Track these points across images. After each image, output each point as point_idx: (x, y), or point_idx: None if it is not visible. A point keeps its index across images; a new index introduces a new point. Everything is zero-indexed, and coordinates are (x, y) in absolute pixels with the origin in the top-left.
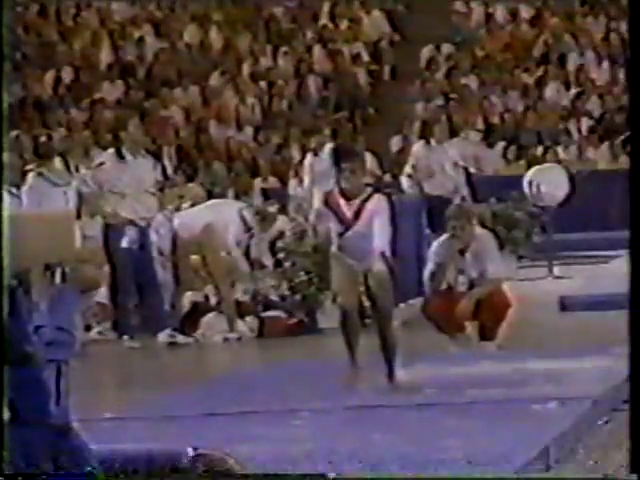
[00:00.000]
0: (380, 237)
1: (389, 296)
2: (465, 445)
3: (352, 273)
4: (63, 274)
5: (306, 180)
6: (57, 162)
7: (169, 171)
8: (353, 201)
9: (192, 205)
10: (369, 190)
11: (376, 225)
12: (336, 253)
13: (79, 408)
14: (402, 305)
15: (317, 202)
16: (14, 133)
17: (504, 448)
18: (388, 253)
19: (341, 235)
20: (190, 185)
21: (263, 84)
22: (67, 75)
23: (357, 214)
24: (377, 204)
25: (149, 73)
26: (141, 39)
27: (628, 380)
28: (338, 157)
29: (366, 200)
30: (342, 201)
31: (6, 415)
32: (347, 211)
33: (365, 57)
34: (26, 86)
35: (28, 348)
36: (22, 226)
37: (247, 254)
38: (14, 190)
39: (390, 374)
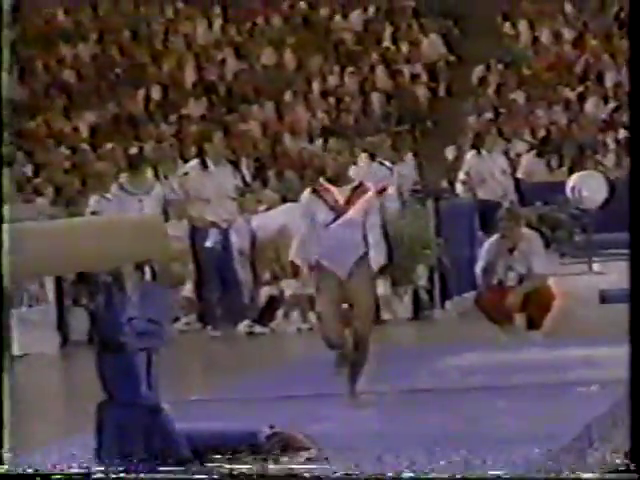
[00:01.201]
0: (378, 250)
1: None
2: (514, 424)
3: (337, 293)
4: (153, 271)
5: (372, 184)
6: (144, 172)
7: (248, 179)
8: (344, 187)
9: (268, 209)
10: (357, 179)
11: (370, 230)
12: (323, 266)
13: (168, 391)
14: (457, 298)
15: (306, 193)
16: (109, 145)
17: (550, 427)
18: (384, 263)
19: (331, 222)
20: (266, 191)
21: (332, 100)
22: (156, 93)
23: (348, 201)
24: (372, 201)
25: (230, 91)
26: (223, 61)
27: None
28: (326, 140)
29: (357, 188)
30: (332, 187)
31: (102, 397)
32: (339, 196)
33: (424, 76)
34: (120, 103)
35: (122, 338)
36: (111, 229)
37: None
38: (109, 196)
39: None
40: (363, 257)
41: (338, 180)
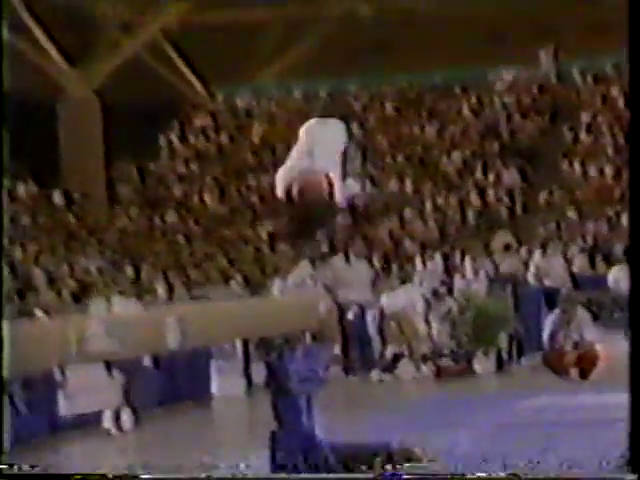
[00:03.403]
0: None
1: None
2: (574, 448)
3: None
4: (312, 335)
5: (468, 274)
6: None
7: (378, 270)
8: None
9: (392, 290)
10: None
11: None
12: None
13: (322, 420)
14: (529, 356)
15: None
16: (282, 246)
17: (600, 449)
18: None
19: None
20: (391, 279)
21: (439, 215)
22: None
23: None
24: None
25: (367, 208)
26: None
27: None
28: None
29: None
30: None
31: (275, 426)
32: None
33: (505, 198)
34: None
35: (289, 383)
36: (283, 306)
37: (427, 321)
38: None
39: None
40: None
41: None
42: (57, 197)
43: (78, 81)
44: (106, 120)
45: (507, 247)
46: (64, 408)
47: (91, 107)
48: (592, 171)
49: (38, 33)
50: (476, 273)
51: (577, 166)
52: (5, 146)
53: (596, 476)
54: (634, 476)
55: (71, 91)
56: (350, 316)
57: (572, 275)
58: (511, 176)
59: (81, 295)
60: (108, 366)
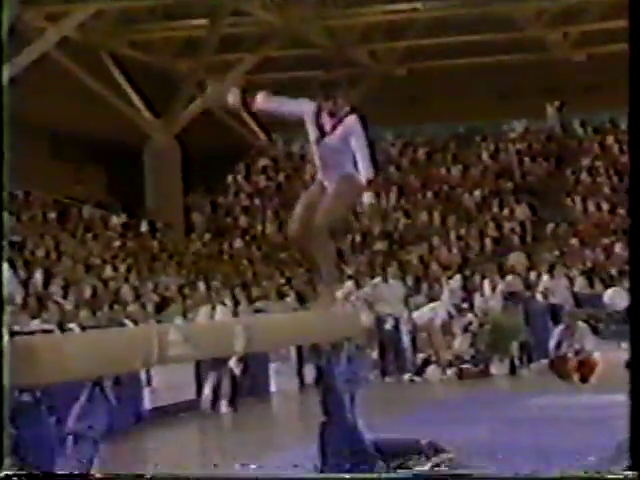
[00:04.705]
0: (364, 165)
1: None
2: (576, 441)
3: (316, 197)
4: (355, 343)
5: (486, 293)
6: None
7: (410, 289)
8: (335, 117)
9: (422, 306)
10: (347, 109)
11: (357, 151)
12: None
13: (362, 415)
14: (537, 363)
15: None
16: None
17: (596, 439)
18: (372, 176)
19: (318, 142)
20: (420, 297)
21: (462, 243)
22: (358, 237)
23: (334, 127)
24: (352, 125)
25: (401, 237)
26: (397, 219)
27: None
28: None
29: (344, 117)
30: (327, 117)
31: (323, 418)
32: (328, 123)
33: (517, 228)
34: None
35: (335, 382)
36: (331, 320)
37: (452, 332)
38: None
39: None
40: (348, 174)
41: (334, 112)
42: (143, 226)
43: (161, 129)
44: (184, 162)
45: (512, 268)
46: (149, 402)
47: (172, 151)
48: (591, 207)
49: (128, 88)
50: (493, 292)
51: (578, 203)
52: (96, 182)
53: (596, 475)
54: (634, 474)
55: (155, 138)
56: (387, 327)
57: (574, 294)
58: (522, 211)
59: (162, 307)
60: (191, 365)
